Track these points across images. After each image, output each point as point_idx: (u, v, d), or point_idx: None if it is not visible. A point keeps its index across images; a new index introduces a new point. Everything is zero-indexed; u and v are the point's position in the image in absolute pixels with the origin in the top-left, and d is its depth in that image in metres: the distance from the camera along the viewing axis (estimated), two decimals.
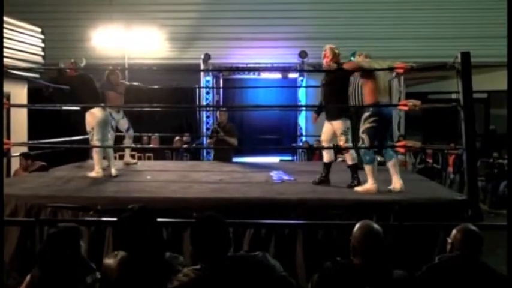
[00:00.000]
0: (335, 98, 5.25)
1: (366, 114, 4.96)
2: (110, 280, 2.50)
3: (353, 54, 5.34)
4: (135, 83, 7.44)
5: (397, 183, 4.88)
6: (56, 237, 2.73)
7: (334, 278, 2.54)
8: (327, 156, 5.45)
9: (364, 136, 4.94)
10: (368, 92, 5.03)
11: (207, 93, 11.96)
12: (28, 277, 2.70)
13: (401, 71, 5.02)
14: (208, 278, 2.34)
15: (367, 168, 4.93)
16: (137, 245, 2.51)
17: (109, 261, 2.54)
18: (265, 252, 2.52)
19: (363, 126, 4.96)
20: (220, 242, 2.40)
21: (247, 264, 2.39)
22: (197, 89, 12.01)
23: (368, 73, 5.00)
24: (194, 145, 11.60)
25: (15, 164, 8.23)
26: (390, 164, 4.99)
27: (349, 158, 5.27)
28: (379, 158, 5.54)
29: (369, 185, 4.89)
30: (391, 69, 5.08)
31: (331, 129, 5.34)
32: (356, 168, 5.20)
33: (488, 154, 10.84)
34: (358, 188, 4.97)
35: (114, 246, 2.83)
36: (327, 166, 5.40)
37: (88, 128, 5.99)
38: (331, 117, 5.32)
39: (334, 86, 5.28)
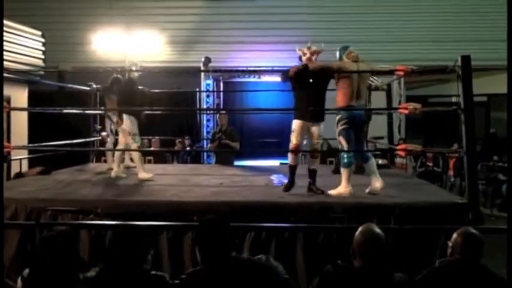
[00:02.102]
0: (321, 100, 5.13)
1: (338, 117, 4.99)
2: None
3: (344, 49, 5.20)
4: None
5: (376, 182, 4.88)
6: (49, 241, 2.74)
7: (334, 281, 2.53)
8: (294, 159, 5.22)
9: (340, 139, 4.97)
10: (340, 95, 5.01)
11: (208, 96, 11.95)
12: (19, 281, 2.71)
13: (401, 73, 5.01)
14: (210, 278, 2.35)
15: (344, 171, 4.92)
16: (115, 259, 2.51)
17: (90, 274, 2.56)
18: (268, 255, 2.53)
19: (337, 129, 4.99)
20: (223, 244, 2.42)
21: (251, 266, 2.41)
22: (197, 93, 12.01)
23: (341, 75, 4.97)
24: (195, 148, 11.59)
25: (15, 167, 8.22)
26: (367, 165, 5.00)
27: (317, 162, 5.27)
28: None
29: (342, 188, 4.89)
30: (391, 72, 5.06)
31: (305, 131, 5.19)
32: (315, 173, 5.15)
33: (489, 158, 10.81)
34: (331, 191, 4.95)
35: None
36: (293, 170, 5.18)
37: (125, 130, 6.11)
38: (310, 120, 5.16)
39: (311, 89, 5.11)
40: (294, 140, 5.10)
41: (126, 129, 6.08)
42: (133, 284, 2.44)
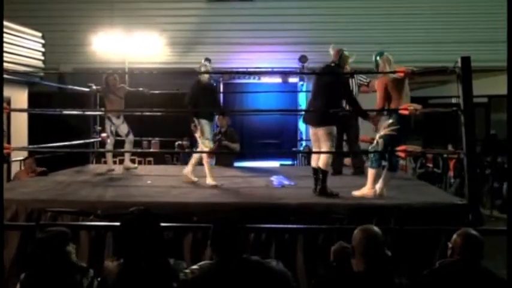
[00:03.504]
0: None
1: (389, 121, 4.87)
2: (110, 284, 2.49)
3: (380, 55, 5.07)
4: (139, 89, 7.42)
5: (381, 189, 4.87)
6: (43, 243, 2.73)
7: (333, 284, 2.53)
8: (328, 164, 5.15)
9: (380, 141, 4.87)
10: (392, 99, 4.90)
11: None
12: (18, 286, 2.71)
13: (402, 74, 5.00)
14: (221, 275, 2.37)
15: (371, 171, 4.90)
16: (138, 250, 2.48)
17: (110, 264, 2.53)
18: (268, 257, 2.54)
19: (383, 131, 4.89)
20: (237, 244, 2.47)
21: (262, 267, 2.44)
22: None
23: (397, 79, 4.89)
24: (195, 149, 11.58)
25: (15, 168, 8.23)
26: (388, 173, 4.98)
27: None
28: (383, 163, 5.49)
29: (367, 189, 4.87)
30: (392, 72, 5.06)
31: None
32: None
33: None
34: (355, 192, 4.94)
35: (115, 250, 2.81)
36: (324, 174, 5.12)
37: (198, 134, 5.92)
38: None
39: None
40: (332, 144, 5.02)
41: (198, 134, 5.89)
42: (154, 273, 2.45)
